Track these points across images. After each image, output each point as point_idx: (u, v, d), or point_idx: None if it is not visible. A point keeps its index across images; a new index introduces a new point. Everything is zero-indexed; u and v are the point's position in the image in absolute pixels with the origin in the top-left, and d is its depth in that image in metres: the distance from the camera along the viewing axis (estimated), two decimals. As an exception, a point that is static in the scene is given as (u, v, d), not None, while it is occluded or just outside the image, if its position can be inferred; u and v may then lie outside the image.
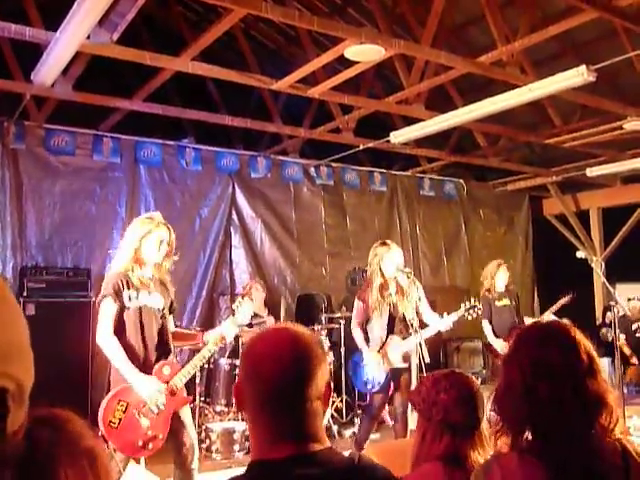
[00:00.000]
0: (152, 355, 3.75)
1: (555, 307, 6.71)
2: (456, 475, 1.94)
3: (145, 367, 3.68)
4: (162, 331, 3.82)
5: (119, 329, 3.67)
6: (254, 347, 1.46)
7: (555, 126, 8.12)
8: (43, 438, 0.80)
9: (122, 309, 3.67)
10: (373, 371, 5.10)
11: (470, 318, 5.39)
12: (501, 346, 6.51)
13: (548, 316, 6.63)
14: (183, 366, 3.85)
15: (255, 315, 6.91)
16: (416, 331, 4.83)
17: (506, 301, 6.87)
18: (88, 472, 0.83)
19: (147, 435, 3.61)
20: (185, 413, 3.85)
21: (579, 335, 1.63)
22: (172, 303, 3.98)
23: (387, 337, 5.12)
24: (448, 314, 5.22)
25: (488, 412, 1.98)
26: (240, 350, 6.34)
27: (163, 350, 3.82)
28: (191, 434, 3.85)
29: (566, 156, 9.36)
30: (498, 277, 6.91)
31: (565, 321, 1.78)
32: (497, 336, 6.63)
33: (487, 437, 2.04)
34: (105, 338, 3.61)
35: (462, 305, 5.35)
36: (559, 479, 1.46)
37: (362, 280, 5.39)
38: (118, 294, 3.65)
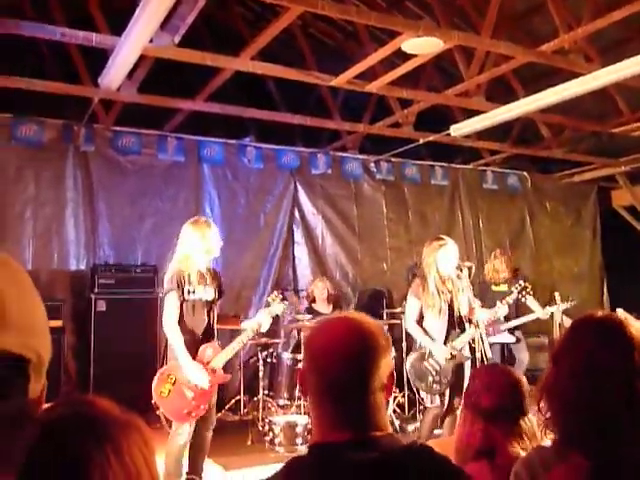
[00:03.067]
0: (201, 340, 4.36)
1: (559, 307, 6.53)
2: (498, 471, 1.94)
3: (195, 350, 4.30)
4: (211, 319, 4.45)
5: (180, 318, 4.28)
6: (316, 337, 1.45)
7: (623, 114, 7.85)
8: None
9: (182, 301, 4.28)
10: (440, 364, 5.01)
11: (524, 300, 5.53)
12: None
13: (549, 311, 6.49)
14: (223, 348, 4.47)
15: (316, 312, 7.01)
16: (477, 325, 4.76)
17: (504, 287, 6.83)
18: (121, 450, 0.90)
19: (192, 405, 4.24)
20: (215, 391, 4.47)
21: (635, 332, 1.58)
22: (221, 291, 4.59)
23: (447, 334, 5.00)
24: (501, 301, 5.13)
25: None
26: (302, 345, 6.42)
27: (210, 335, 4.45)
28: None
29: (635, 145, 9.04)
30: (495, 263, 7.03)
31: (633, 317, 1.72)
32: None
33: (528, 431, 2.02)
34: (170, 325, 4.23)
35: (514, 288, 5.31)
36: (600, 475, 1.43)
37: (415, 278, 5.23)
38: (180, 288, 4.25)
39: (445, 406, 5.02)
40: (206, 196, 7.96)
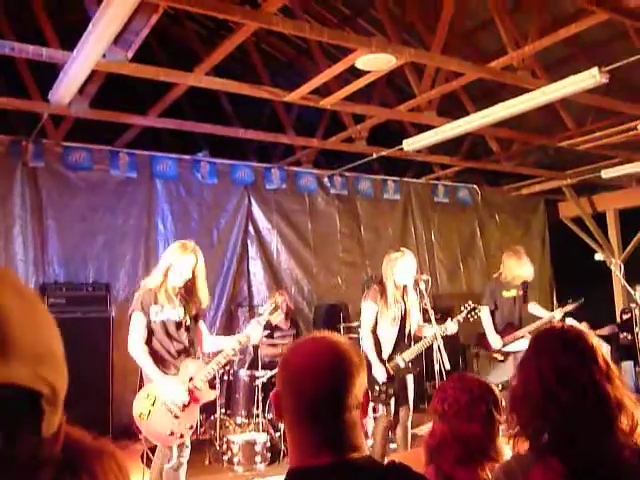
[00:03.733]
0: (177, 361, 4.23)
1: (565, 309, 6.55)
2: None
3: (171, 369, 4.20)
4: (188, 339, 4.32)
5: (148, 338, 4.20)
6: (292, 358, 1.45)
7: (568, 129, 8.10)
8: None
9: (149, 322, 4.20)
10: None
11: (472, 320, 5.47)
12: (496, 341, 6.37)
13: (559, 314, 6.45)
14: (207, 363, 4.37)
15: (277, 328, 6.99)
16: (435, 337, 4.82)
17: (513, 292, 6.57)
18: None
19: (175, 425, 4.07)
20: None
21: (595, 341, 1.66)
22: (197, 313, 4.44)
23: (397, 345, 5.06)
24: (451, 319, 5.21)
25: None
26: (259, 361, 6.37)
27: (188, 356, 4.30)
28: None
29: (580, 158, 9.33)
30: (509, 266, 6.54)
31: (583, 326, 1.79)
32: (496, 329, 6.45)
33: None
34: (135, 347, 4.15)
35: (463, 308, 5.36)
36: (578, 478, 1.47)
37: (372, 285, 5.29)
38: (145, 309, 4.17)
39: (391, 415, 5.06)
40: (159, 212, 7.87)
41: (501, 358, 6.55)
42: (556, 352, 1.63)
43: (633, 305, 6.78)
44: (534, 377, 1.61)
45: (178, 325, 4.27)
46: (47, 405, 0.74)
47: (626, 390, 1.61)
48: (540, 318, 6.53)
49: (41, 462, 0.74)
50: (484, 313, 6.43)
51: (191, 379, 4.20)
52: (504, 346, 6.40)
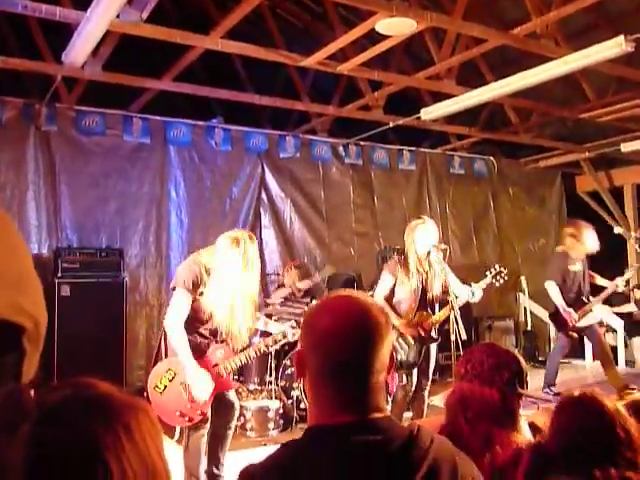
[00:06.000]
0: (206, 341, 4.03)
1: (625, 277, 6.50)
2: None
3: (201, 353, 3.98)
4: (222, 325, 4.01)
5: (190, 314, 3.92)
6: (320, 318, 1.38)
7: (589, 100, 7.94)
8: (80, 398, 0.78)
9: (194, 300, 3.90)
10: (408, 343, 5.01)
11: (497, 285, 5.36)
12: (572, 316, 6.23)
13: (621, 282, 6.42)
14: (237, 353, 4.09)
15: (291, 296, 7.03)
16: (452, 308, 4.77)
17: (579, 266, 6.49)
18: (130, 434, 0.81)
19: (186, 407, 3.87)
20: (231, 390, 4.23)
21: (612, 407, 1.80)
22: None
23: (417, 312, 5.01)
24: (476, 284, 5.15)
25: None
26: (302, 324, 6.38)
27: (223, 340, 4.07)
28: (235, 402, 4.24)
29: (599, 131, 9.17)
30: (587, 237, 6.46)
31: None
32: (567, 304, 6.30)
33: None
34: (172, 325, 3.85)
35: (488, 272, 5.29)
36: None
37: (393, 255, 5.23)
38: (195, 287, 3.86)
39: (413, 386, 5.06)
40: (172, 178, 7.82)
41: (576, 336, 6.45)
42: (573, 426, 1.79)
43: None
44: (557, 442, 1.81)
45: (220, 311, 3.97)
46: (28, 343, 0.61)
47: None
48: (604, 288, 6.51)
49: (23, 416, 0.61)
50: (552, 288, 6.34)
51: (215, 365, 4.01)
52: (577, 321, 6.29)
